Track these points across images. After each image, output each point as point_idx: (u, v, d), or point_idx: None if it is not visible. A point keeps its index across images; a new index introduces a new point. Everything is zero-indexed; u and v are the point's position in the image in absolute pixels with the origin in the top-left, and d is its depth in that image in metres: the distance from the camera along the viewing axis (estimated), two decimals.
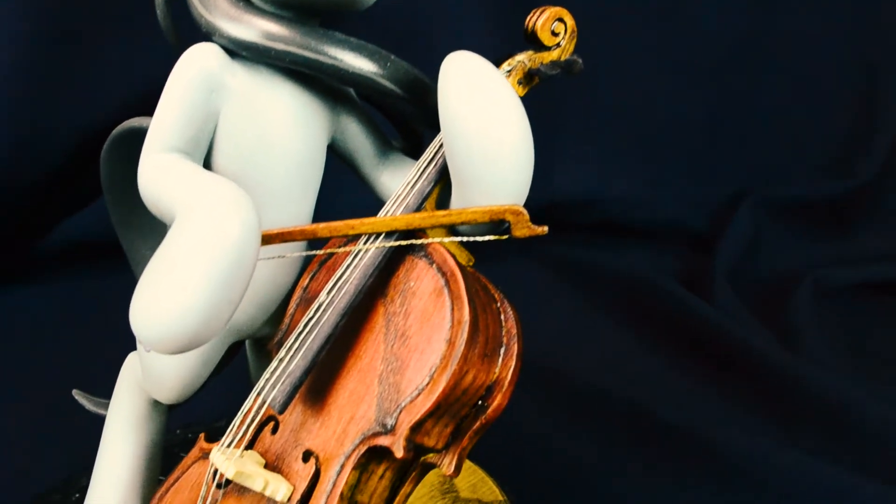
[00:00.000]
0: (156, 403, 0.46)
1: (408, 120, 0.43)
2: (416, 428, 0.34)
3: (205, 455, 0.41)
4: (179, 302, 0.30)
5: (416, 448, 0.35)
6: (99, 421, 0.50)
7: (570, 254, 0.96)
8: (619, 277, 0.93)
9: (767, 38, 1.07)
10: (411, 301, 0.36)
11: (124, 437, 0.46)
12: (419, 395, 0.34)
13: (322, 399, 0.37)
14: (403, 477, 0.37)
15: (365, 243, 0.37)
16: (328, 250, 0.39)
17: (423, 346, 0.35)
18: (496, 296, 0.38)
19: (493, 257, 0.45)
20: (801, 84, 1.08)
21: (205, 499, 0.38)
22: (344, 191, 0.52)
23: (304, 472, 0.36)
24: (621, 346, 0.83)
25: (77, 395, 0.53)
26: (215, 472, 0.39)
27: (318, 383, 0.38)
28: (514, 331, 0.38)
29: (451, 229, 0.38)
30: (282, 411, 0.36)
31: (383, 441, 0.34)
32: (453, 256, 0.36)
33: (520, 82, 0.40)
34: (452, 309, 0.35)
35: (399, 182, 0.41)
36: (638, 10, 1.03)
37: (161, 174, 0.35)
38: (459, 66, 0.35)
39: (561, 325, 0.83)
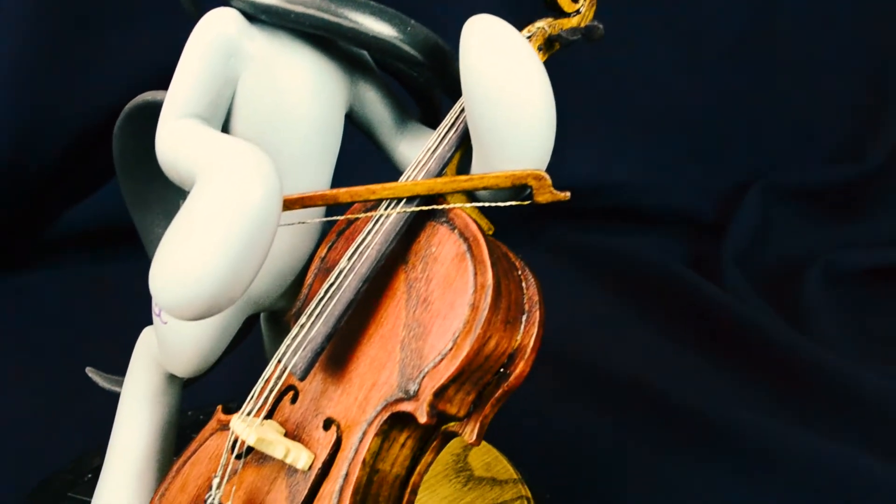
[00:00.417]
0: (171, 378, 0.46)
1: (426, 88, 0.43)
2: (439, 394, 0.34)
3: (223, 427, 0.41)
4: (199, 266, 0.30)
5: (438, 415, 0.34)
6: (111, 401, 0.50)
7: (579, 240, 0.96)
8: (629, 262, 0.92)
9: (776, 23, 1.06)
10: (433, 266, 0.36)
11: (140, 411, 0.46)
12: (442, 360, 0.34)
13: (343, 367, 0.37)
14: (424, 446, 0.37)
15: (386, 209, 0.37)
16: (349, 216, 0.39)
17: (445, 311, 0.35)
18: (517, 263, 0.38)
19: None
20: (810, 68, 1.08)
21: (224, 470, 0.38)
22: (361, 161, 0.52)
23: (326, 439, 0.36)
24: (632, 330, 0.83)
25: (90, 372, 0.53)
26: (234, 442, 0.38)
27: (338, 351, 0.37)
28: (536, 298, 0.37)
29: (471, 196, 0.38)
30: (303, 377, 0.35)
31: (406, 407, 0.34)
32: (475, 221, 0.36)
33: (540, 48, 0.40)
34: (475, 273, 0.35)
35: (417, 151, 0.41)
36: None
37: (180, 139, 0.35)
38: (482, 29, 0.34)
39: (571, 309, 0.82)
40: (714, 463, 0.64)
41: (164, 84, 0.43)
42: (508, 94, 0.34)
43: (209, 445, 0.41)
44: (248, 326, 0.47)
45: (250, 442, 0.35)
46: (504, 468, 0.56)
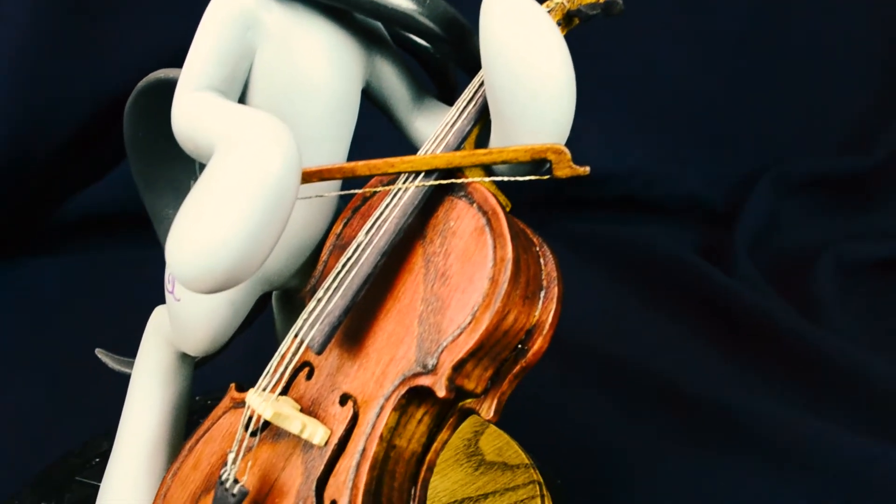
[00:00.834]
0: (183, 357, 0.46)
1: (442, 65, 0.43)
2: (458, 368, 0.34)
3: (236, 405, 0.41)
4: (217, 237, 0.30)
5: (456, 390, 0.34)
6: (117, 387, 0.49)
7: (589, 228, 0.96)
8: (640, 250, 0.92)
9: (787, 12, 1.06)
10: (451, 241, 0.36)
11: (152, 390, 0.45)
12: (461, 333, 0.34)
13: (359, 342, 0.37)
14: (441, 423, 0.37)
15: (404, 182, 0.36)
16: (367, 189, 0.39)
17: (464, 285, 0.34)
18: (535, 240, 0.38)
19: None
20: (821, 58, 1.07)
21: (238, 447, 0.37)
22: (376, 138, 0.51)
23: (342, 415, 0.36)
24: (642, 318, 0.83)
25: (100, 353, 0.53)
26: (249, 419, 0.38)
27: (354, 327, 0.37)
28: (555, 274, 0.37)
29: (489, 171, 0.37)
30: (320, 351, 0.35)
31: (424, 381, 0.34)
32: (494, 195, 0.35)
33: (559, 23, 0.39)
34: (495, 247, 0.34)
35: (433, 127, 0.41)
36: None
37: (197, 110, 0.34)
38: (503, 1, 0.34)
39: (581, 298, 0.82)
40: (724, 452, 0.64)
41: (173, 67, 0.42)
42: (529, 65, 0.34)
43: (222, 423, 0.41)
44: (261, 305, 0.47)
45: (267, 416, 0.35)
46: (515, 453, 0.56)
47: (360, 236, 0.37)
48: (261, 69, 0.37)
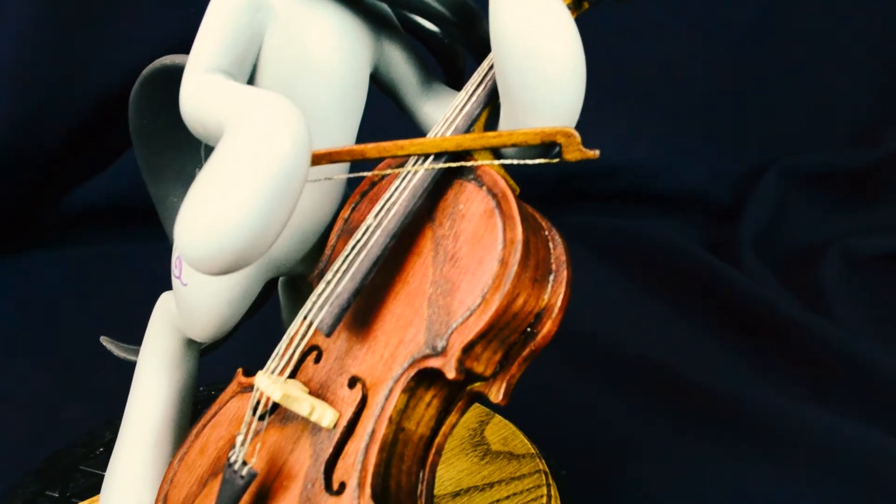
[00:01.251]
0: (189, 343, 0.46)
1: (450, 50, 0.43)
2: (468, 350, 0.34)
3: (243, 389, 0.41)
4: (226, 218, 0.30)
5: (465, 372, 0.34)
6: (121, 378, 0.49)
7: (594, 221, 0.96)
8: (645, 243, 0.92)
9: (794, 6, 1.06)
10: (461, 223, 0.35)
11: (158, 376, 0.45)
12: (471, 315, 0.34)
13: (368, 325, 0.37)
14: (449, 407, 0.37)
15: (413, 165, 0.36)
16: (377, 172, 0.39)
17: (474, 267, 0.34)
18: (544, 224, 0.38)
19: None
20: (828, 52, 1.07)
21: (246, 431, 0.37)
22: (383, 126, 0.51)
23: (351, 397, 0.36)
24: (647, 311, 0.83)
25: (105, 341, 0.52)
26: (257, 403, 0.38)
27: (363, 310, 0.37)
28: (564, 258, 0.37)
29: (498, 155, 0.37)
30: (330, 333, 0.35)
31: (434, 363, 0.34)
32: (503, 179, 0.35)
33: (569, 6, 0.39)
34: (504, 229, 0.34)
35: (442, 112, 0.41)
36: None
37: (206, 92, 0.34)
38: None
39: (587, 290, 0.82)
40: (730, 442, 0.64)
41: None
42: (539, 48, 0.33)
43: (230, 408, 0.41)
44: (267, 292, 0.47)
45: (276, 398, 0.35)
46: (521, 443, 0.56)
47: (370, 219, 0.36)
48: (269, 52, 0.37)
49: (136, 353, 0.49)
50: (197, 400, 0.61)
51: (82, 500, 0.52)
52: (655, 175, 1.04)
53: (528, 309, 0.35)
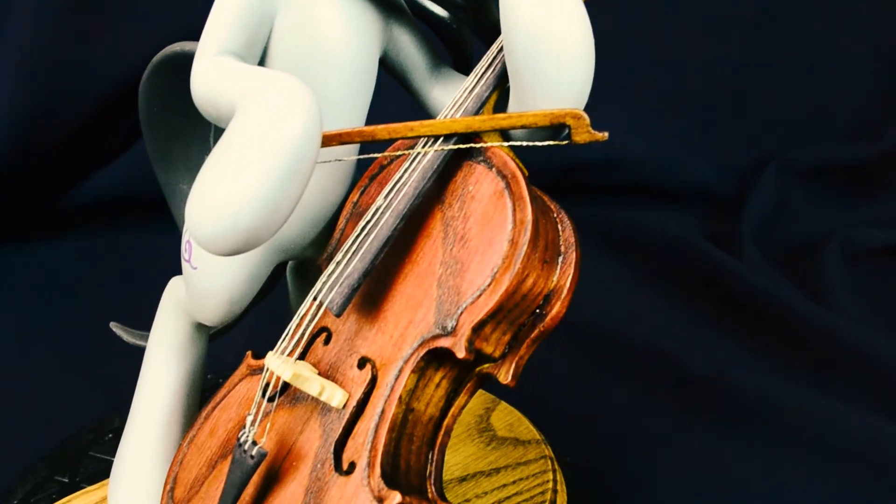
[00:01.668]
0: (199, 327, 0.46)
1: (458, 36, 0.43)
2: (477, 329, 0.34)
3: (253, 371, 0.41)
4: (237, 197, 0.30)
5: (475, 352, 0.34)
6: (130, 365, 0.50)
7: (596, 213, 0.96)
8: (648, 235, 0.92)
9: (796, 0, 1.06)
10: (470, 205, 0.36)
11: (167, 361, 0.46)
12: (481, 295, 0.34)
13: (377, 306, 0.37)
14: (458, 388, 0.37)
15: (423, 147, 0.36)
16: (386, 154, 0.39)
17: (484, 247, 0.34)
18: (552, 206, 0.38)
19: None
20: (830, 46, 1.07)
21: (256, 412, 0.37)
22: (391, 110, 0.52)
23: (360, 378, 0.36)
24: (651, 300, 0.83)
25: (114, 326, 0.53)
26: (266, 385, 0.38)
27: (372, 291, 0.37)
28: (572, 240, 0.37)
29: (507, 138, 0.38)
30: (340, 313, 0.35)
31: (444, 342, 0.34)
32: (513, 160, 0.36)
33: None
34: (514, 209, 0.34)
35: (451, 97, 0.41)
36: None
37: (218, 73, 0.34)
38: None
39: (590, 280, 0.82)
40: (732, 431, 0.64)
41: None
42: (549, 29, 0.34)
43: (239, 390, 0.41)
44: (276, 276, 0.47)
45: (286, 377, 0.35)
46: (527, 429, 0.56)
47: (379, 200, 0.37)
48: (280, 35, 0.37)
49: (146, 338, 0.49)
50: (204, 388, 0.61)
51: (91, 484, 0.52)
52: (658, 168, 1.04)
53: (538, 290, 0.36)
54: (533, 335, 0.36)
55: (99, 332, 0.62)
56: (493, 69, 0.38)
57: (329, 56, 0.38)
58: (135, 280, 0.78)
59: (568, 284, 0.36)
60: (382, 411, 0.34)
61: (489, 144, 0.36)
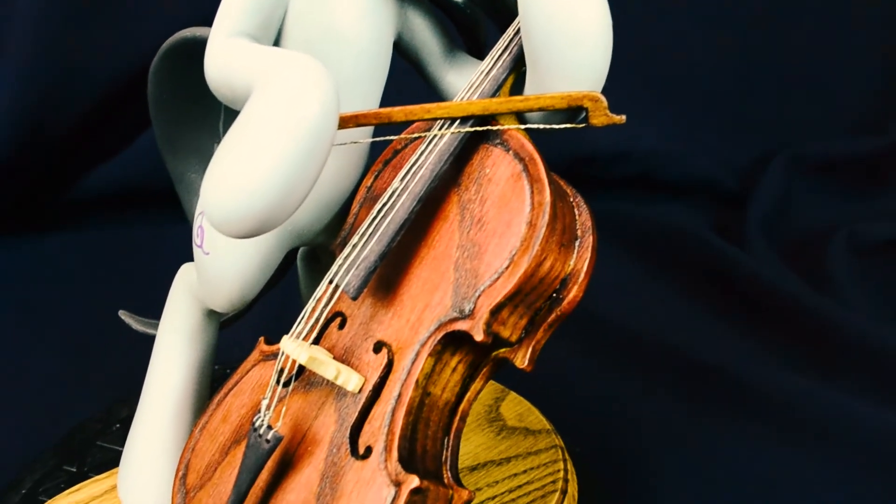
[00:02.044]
0: (210, 314, 0.46)
1: (472, 21, 0.42)
2: (495, 312, 0.34)
3: (266, 357, 0.41)
4: (254, 178, 0.30)
5: (492, 335, 0.34)
6: (139, 355, 0.49)
7: (603, 207, 0.95)
8: (654, 228, 0.92)
9: None
10: (487, 187, 0.35)
11: (178, 347, 0.45)
12: (499, 278, 0.34)
13: (393, 290, 0.36)
14: (474, 373, 0.37)
15: (440, 129, 0.36)
16: (402, 136, 0.39)
17: (501, 230, 0.34)
18: (569, 190, 0.38)
19: None
20: (835, 40, 1.07)
21: (271, 395, 0.37)
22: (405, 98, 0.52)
23: (377, 362, 0.36)
24: (658, 293, 0.83)
25: (123, 315, 0.52)
26: (281, 370, 0.38)
27: (388, 275, 0.37)
28: (589, 224, 0.37)
29: (523, 121, 0.37)
30: (356, 296, 0.35)
31: (461, 325, 0.34)
32: (530, 142, 0.35)
33: None
34: (532, 192, 0.34)
35: (465, 80, 0.40)
36: None
37: (233, 54, 0.34)
38: None
39: (597, 272, 0.82)
40: (740, 422, 0.64)
41: None
42: (567, 10, 0.33)
43: (252, 376, 0.41)
44: (287, 263, 0.47)
45: (302, 360, 0.35)
46: (537, 419, 0.56)
47: (395, 183, 0.36)
48: (294, 17, 0.37)
49: (154, 326, 0.49)
50: (213, 379, 0.61)
51: (99, 473, 0.52)
52: (664, 161, 1.04)
53: (555, 274, 0.35)
54: (550, 319, 0.36)
55: (105, 323, 0.62)
56: (510, 52, 0.37)
57: (344, 38, 0.38)
58: (140, 272, 0.78)
59: (585, 268, 0.36)
60: (399, 395, 0.34)
61: (506, 127, 0.36)
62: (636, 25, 1.00)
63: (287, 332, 0.38)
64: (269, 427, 0.35)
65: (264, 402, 0.36)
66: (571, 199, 0.37)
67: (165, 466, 0.45)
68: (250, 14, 0.36)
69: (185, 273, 0.46)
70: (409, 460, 0.34)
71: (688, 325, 0.77)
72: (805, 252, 0.91)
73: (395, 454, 0.33)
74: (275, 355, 0.40)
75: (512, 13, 0.38)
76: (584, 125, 0.36)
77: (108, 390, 0.62)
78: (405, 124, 0.38)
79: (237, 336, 0.52)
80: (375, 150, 0.42)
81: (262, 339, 0.41)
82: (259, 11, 0.36)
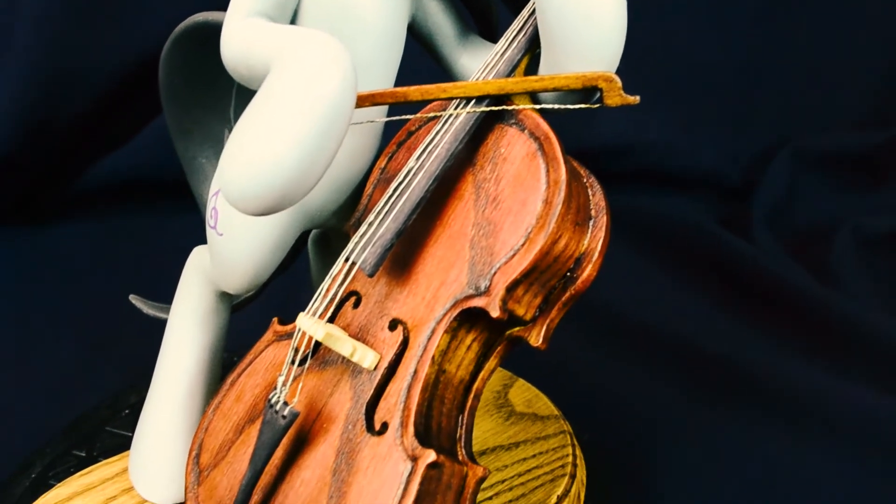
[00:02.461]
0: (222, 296, 0.46)
1: (486, 5, 0.43)
2: (511, 289, 0.34)
3: (280, 337, 0.41)
4: (272, 155, 0.30)
5: (508, 313, 0.34)
6: (148, 341, 0.49)
7: (609, 200, 0.96)
8: (659, 220, 0.92)
9: None
10: (503, 167, 0.36)
11: (191, 329, 0.45)
12: (514, 255, 0.34)
13: (409, 268, 0.37)
14: (488, 352, 0.37)
15: (455, 108, 0.36)
16: (419, 115, 0.39)
17: (517, 208, 0.34)
18: (582, 171, 0.38)
19: None
20: (839, 33, 1.07)
21: (286, 377, 0.37)
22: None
23: (392, 339, 0.36)
24: (664, 284, 0.83)
25: (134, 299, 0.52)
26: (296, 349, 0.38)
27: (403, 253, 0.37)
28: (603, 204, 0.37)
29: (537, 101, 0.38)
30: (373, 273, 0.35)
31: (478, 302, 0.34)
32: (545, 122, 0.36)
33: None
34: (548, 170, 0.34)
35: (479, 63, 0.41)
36: None
37: (251, 33, 0.34)
38: None
39: (604, 265, 0.83)
40: (745, 411, 0.65)
41: None
42: None
43: (266, 355, 0.41)
44: (299, 245, 0.47)
45: (318, 337, 0.35)
46: (545, 405, 0.56)
47: (411, 162, 0.37)
48: None
49: (165, 310, 0.49)
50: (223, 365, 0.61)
51: (107, 458, 0.52)
52: (668, 155, 1.04)
53: (569, 253, 0.36)
54: (564, 298, 0.36)
55: (114, 311, 0.62)
56: (525, 33, 0.38)
57: (359, 18, 0.38)
58: (148, 261, 0.78)
59: (599, 248, 0.36)
60: (415, 371, 0.34)
61: (521, 107, 0.36)
62: (643, 18, 1.00)
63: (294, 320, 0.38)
64: (286, 403, 0.36)
65: (280, 379, 0.37)
66: (585, 180, 0.37)
67: (177, 448, 0.45)
68: None
69: (197, 255, 0.47)
70: (424, 436, 0.34)
71: (693, 315, 0.77)
72: (810, 244, 0.92)
73: (411, 430, 0.33)
74: (289, 335, 0.40)
75: None
76: (598, 105, 0.36)
77: (117, 377, 0.62)
78: (421, 104, 0.38)
79: (247, 323, 0.52)
80: (388, 132, 0.42)
81: (275, 319, 0.42)
82: None
